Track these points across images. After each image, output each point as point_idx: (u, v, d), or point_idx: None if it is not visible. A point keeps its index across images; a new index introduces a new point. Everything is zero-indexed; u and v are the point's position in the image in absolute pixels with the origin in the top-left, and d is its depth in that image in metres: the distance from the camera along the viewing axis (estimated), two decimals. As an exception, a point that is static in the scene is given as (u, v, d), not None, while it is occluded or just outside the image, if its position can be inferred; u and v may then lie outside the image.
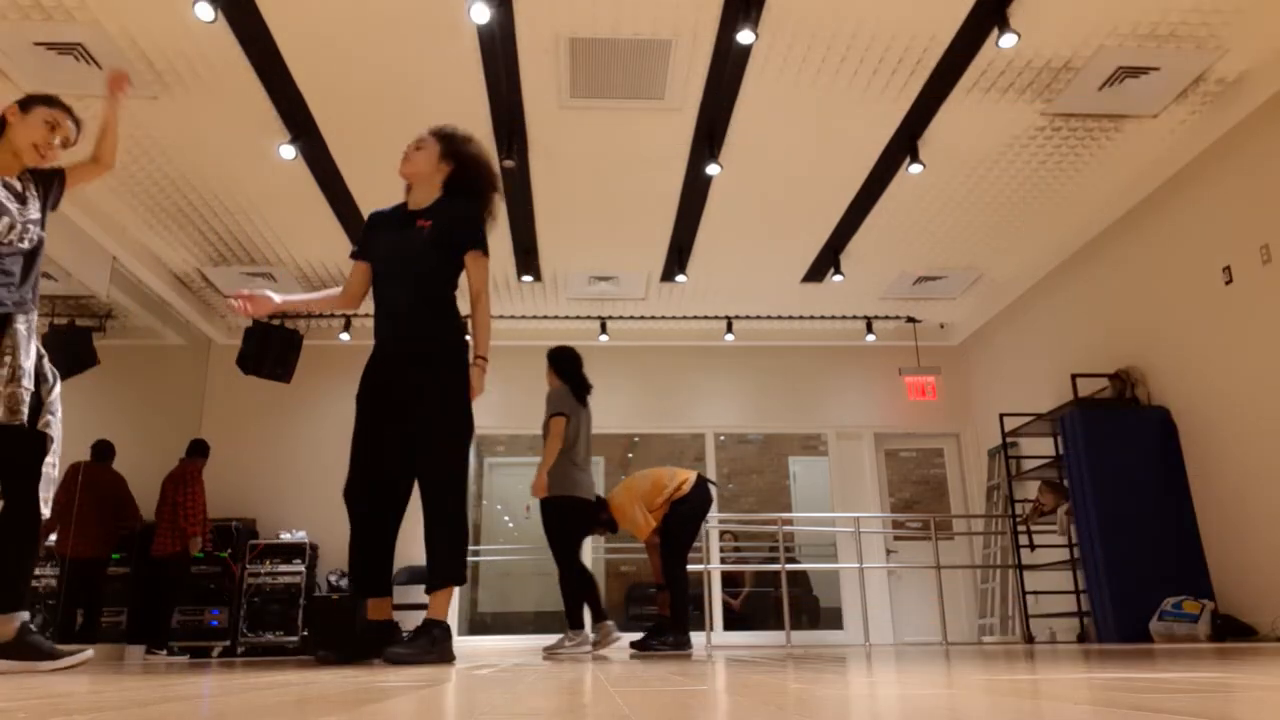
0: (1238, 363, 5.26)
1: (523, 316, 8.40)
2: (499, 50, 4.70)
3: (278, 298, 3.20)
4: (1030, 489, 7.17)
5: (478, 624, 8.79)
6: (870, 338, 8.56)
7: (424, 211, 3.21)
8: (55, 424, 2.86)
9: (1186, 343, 5.69)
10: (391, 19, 4.48)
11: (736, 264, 7.36)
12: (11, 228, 2.83)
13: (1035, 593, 6.88)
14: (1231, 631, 5.04)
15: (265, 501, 8.08)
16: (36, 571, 4.47)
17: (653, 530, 4.99)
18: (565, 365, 5.03)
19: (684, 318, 8.51)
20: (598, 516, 5.04)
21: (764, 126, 5.45)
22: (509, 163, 5.48)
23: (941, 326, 8.86)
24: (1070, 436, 5.90)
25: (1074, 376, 6.30)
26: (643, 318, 8.46)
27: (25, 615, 2.75)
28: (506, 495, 9.28)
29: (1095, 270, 6.66)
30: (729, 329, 8.42)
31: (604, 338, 8.47)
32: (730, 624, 8.36)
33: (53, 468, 2.84)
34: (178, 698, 1.36)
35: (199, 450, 6.97)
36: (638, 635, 5.24)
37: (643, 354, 8.75)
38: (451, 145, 3.27)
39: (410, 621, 5.66)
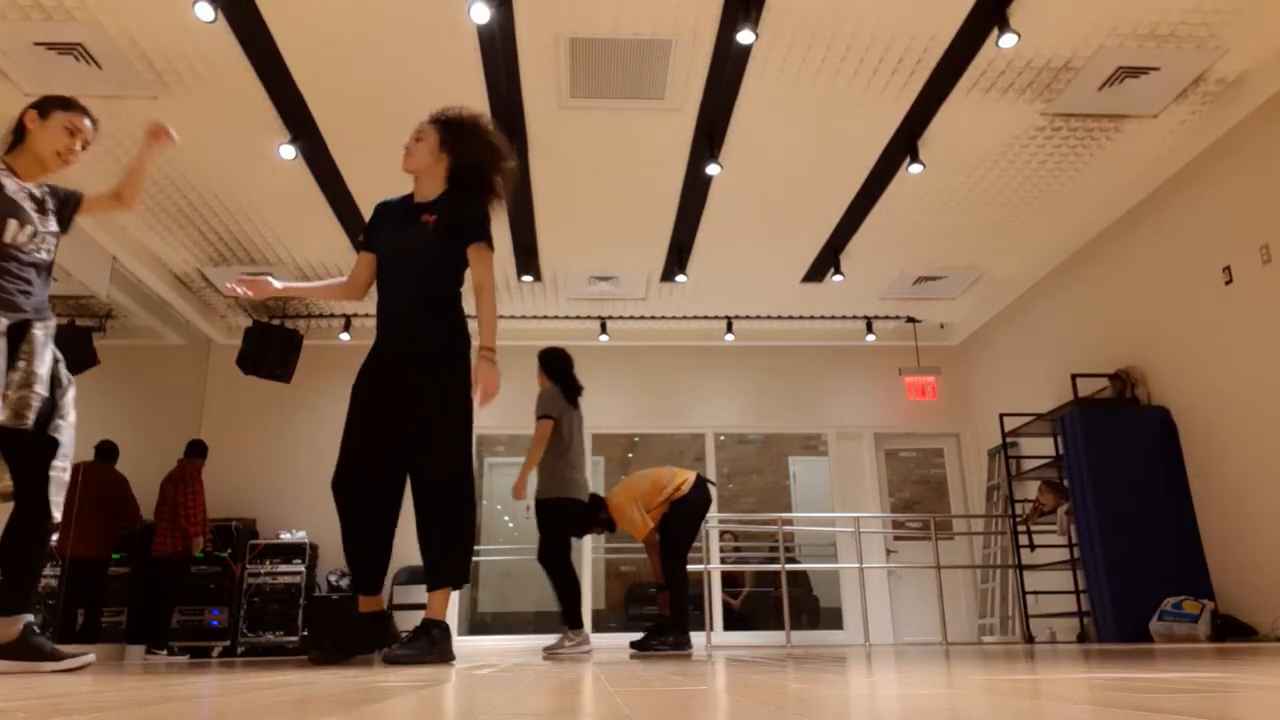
0: (1238, 363, 5.26)
1: (523, 316, 8.40)
2: (499, 50, 4.70)
3: (278, 283, 3.17)
4: (1030, 489, 7.17)
5: (477, 624, 8.80)
6: (870, 338, 8.56)
7: (429, 205, 3.18)
8: (66, 428, 2.85)
9: (1186, 343, 5.69)
10: (391, 19, 4.48)
11: (736, 264, 7.36)
12: (34, 236, 2.83)
13: (1035, 593, 6.88)
14: (1231, 631, 5.04)
15: (265, 501, 8.09)
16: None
17: (650, 530, 5.00)
18: (556, 366, 5.05)
19: (684, 318, 8.51)
20: (595, 516, 5.05)
21: (764, 126, 5.45)
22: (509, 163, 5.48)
23: (941, 326, 8.86)
24: (1070, 436, 5.90)
25: (1074, 376, 6.30)
26: (643, 318, 8.46)
27: (29, 617, 2.75)
28: (506, 495, 9.28)
29: (1095, 270, 6.66)
30: (729, 329, 8.42)
31: (604, 338, 8.47)
32: (730, 624, 8.36)
33: (64, 472, 2.82)
34: (178, 698, 1.36)
35: (197, 451, 6.98)
36: (637, 635, 5.25)
37: (643, 354, 8.75)
38: (449, 133, 3.20)
39: (410, 621, 5.66)
